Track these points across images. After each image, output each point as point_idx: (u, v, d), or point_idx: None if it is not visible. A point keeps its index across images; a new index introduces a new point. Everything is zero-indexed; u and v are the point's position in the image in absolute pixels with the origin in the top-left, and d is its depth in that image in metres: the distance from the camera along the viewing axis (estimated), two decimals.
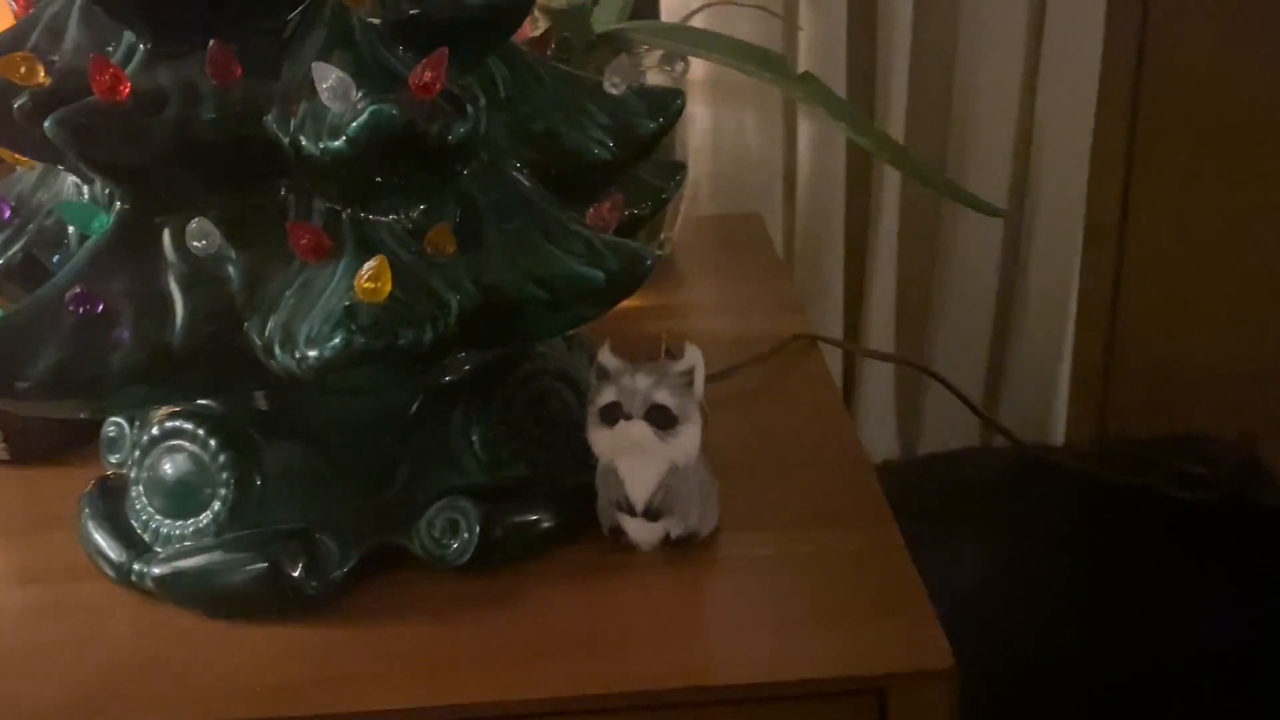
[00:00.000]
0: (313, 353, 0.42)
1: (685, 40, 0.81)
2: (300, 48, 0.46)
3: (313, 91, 0.44)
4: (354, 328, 0.42)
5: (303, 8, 0.46)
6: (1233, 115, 1.10)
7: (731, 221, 1.04)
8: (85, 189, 0.50)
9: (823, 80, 0.74)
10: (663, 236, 0.90)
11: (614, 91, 0.54)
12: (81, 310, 0.44)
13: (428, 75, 0.44)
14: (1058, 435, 1.26)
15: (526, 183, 0.51)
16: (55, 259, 0.50)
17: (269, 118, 0.45)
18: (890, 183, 1.07)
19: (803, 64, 1.00)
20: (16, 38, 0.49)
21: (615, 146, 0.53)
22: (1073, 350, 1.20)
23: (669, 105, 0.55)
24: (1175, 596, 1.00)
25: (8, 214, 0.52)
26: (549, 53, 0.57)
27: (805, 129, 1.05)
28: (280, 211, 0.47)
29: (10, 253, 0.51)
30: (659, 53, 0.84)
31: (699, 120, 1.05)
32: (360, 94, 0.43)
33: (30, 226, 0.51)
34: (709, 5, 0.94)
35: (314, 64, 0.43)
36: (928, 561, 0.59)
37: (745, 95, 1.04)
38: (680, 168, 0.63)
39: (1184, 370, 1.24)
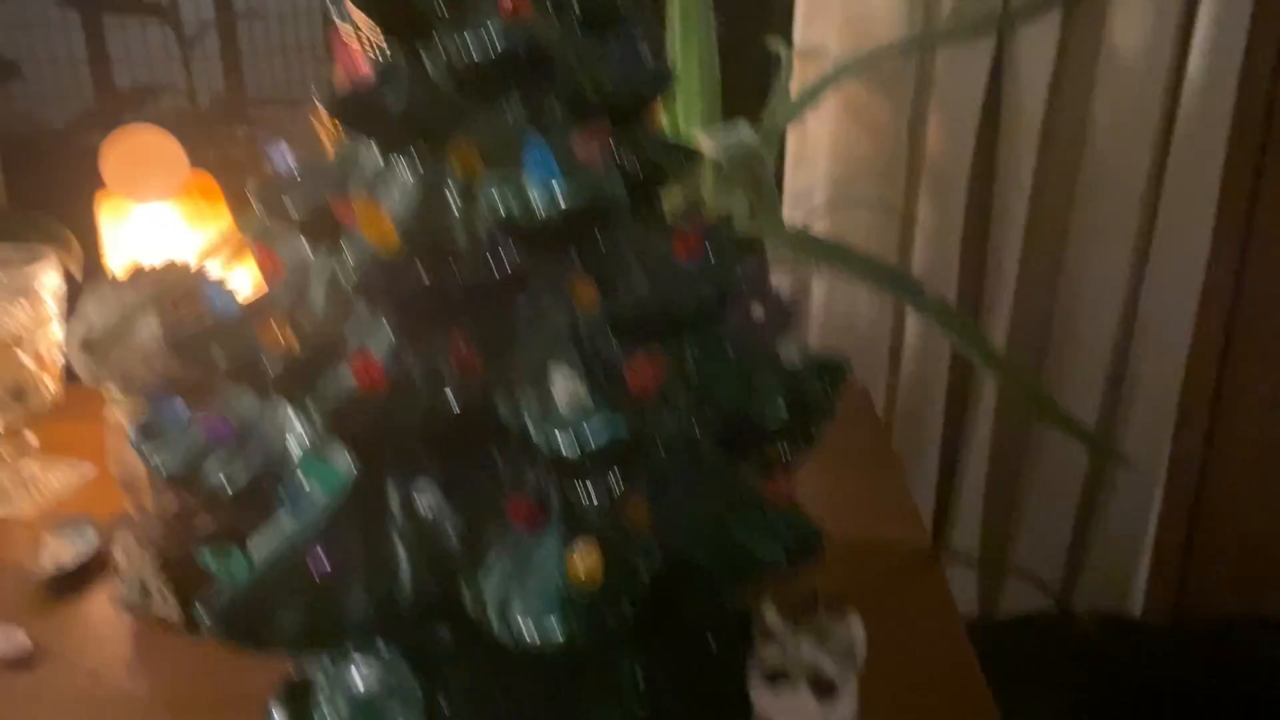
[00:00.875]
0: (531, 632, 0.47)
1: (816, 251, 0.86)
2: (529, 334, 0.51)
3: (541, 382, 0.49)
4: (570, 613, 0.46)
5: (530, 293, 0.51)
6: None
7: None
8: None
9: (945, 296, 0.79)
10: None
11: (789, 361, 0.59)
12: (320, 569, 0.49)
13: (649, 379, 0.48)
14: (1136, 606, 1.28)
15: (710, 454, 0.55)
16: (280, 488, 0.55)
17: (499, 400, 0.50)
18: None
19: (918, 256, 1.05)
20: (267, 298, 0.55)
21: (790, 414, 0.57)
22: (1157, 526, 1.23)
23: (839, 374, 0.60)
24: None
25: (228, 433, 0.58)
26: None
27: None
28: (494, 477, 0.51)
29: (236, 476, 0.56)
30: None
31: (814, 291, 1.10)
32: (588, 396, 0.47)
33: (255, 452, 0.56)
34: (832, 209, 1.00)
35: (551, 365, 0.48)
36: None
37: None
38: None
39: (1267, 554, 1.26)
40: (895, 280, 0.82)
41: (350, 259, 0.49)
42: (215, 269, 0.84)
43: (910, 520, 0.84)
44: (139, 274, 0.78)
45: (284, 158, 0.55)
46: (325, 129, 0.59)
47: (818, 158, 1.05)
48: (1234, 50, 0.99)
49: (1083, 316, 1.09)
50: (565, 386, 0.48)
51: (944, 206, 1.04)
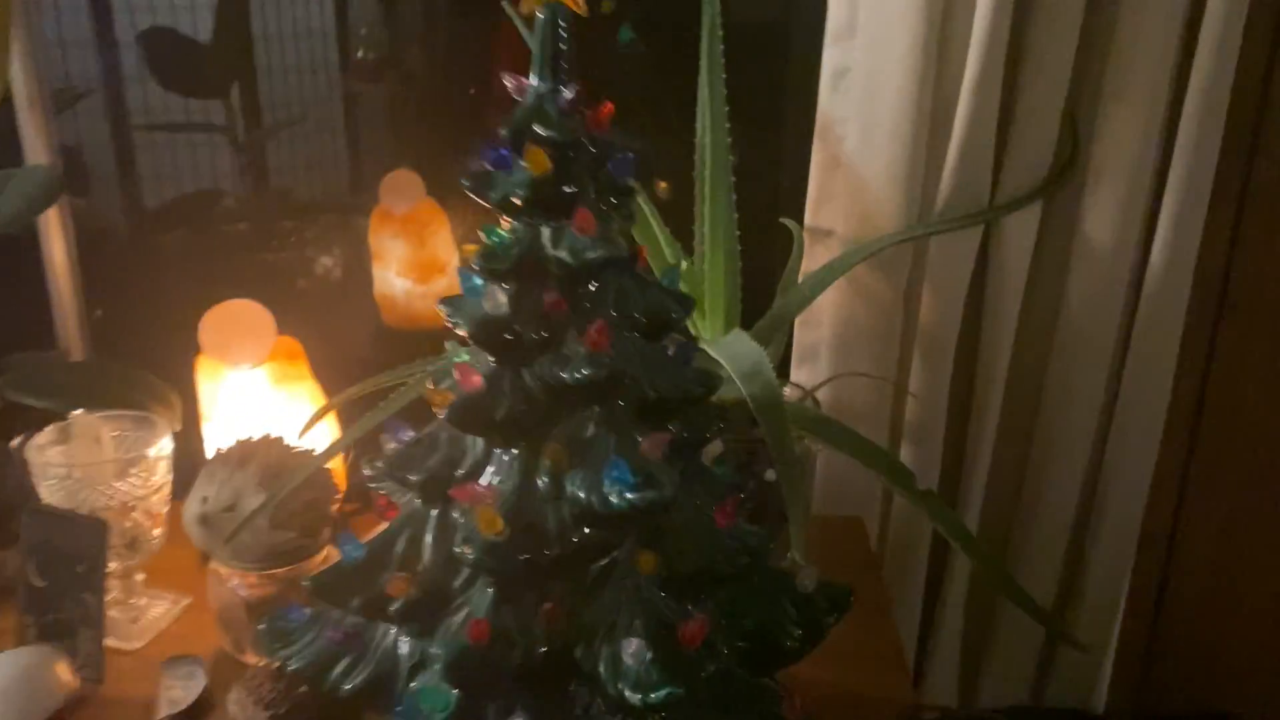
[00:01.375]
0: None
1: (820, 430, 0.99)
2: (600, 595, 0.64)
3: (613, 638, 0.62)
4: None
5: (603, 562, 0.65)
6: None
7: (835, 526, 1.21)
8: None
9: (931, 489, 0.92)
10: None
11: (804, 587, 0.72)
12: None
13: (697, 635, 0.62)
14: (1100, 703, 1.42)
15: (739, 678, 0.69)
16: (392, 692, 0.69)
17: (578, 650, 0.63)
18: (975, 496, 1.25)
19: (909, 415, 1.19)
20: (386, 542, 0.69)
21: (803, 638, 0.71)
22: (1119, 635, 1.36)
23: (845, 602, 0.73)
24: None
25: (348, 641, 0.71)
26: None
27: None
28: (572, 707, 0.65)
29: (355, 679, 0.70)
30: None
31: None
32: (652, 658, 0.61)
33: (371, 659, 0.70)
34: (835, 378, 1.14)
35: (620, 626, 0.62)
36: None
37: (855, 412, 1.22)
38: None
39: (1221, 659, 1.40)
40: (890, 466, 0.95)
41: (462, 539, 0.63)
42: (303, 442, 0.97)
43: (895, 669, 0.97)
44: (245, 451, 0.92)
45: (403, 434, 0.69)
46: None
47: (822, 322, 1.18)
48: (1192, 240, 1.12)
49: (1054, 463, 1.23)
50: (633, 650, 0.61)
51: (933, 371, 1.17)
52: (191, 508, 0.90)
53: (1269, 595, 1.35)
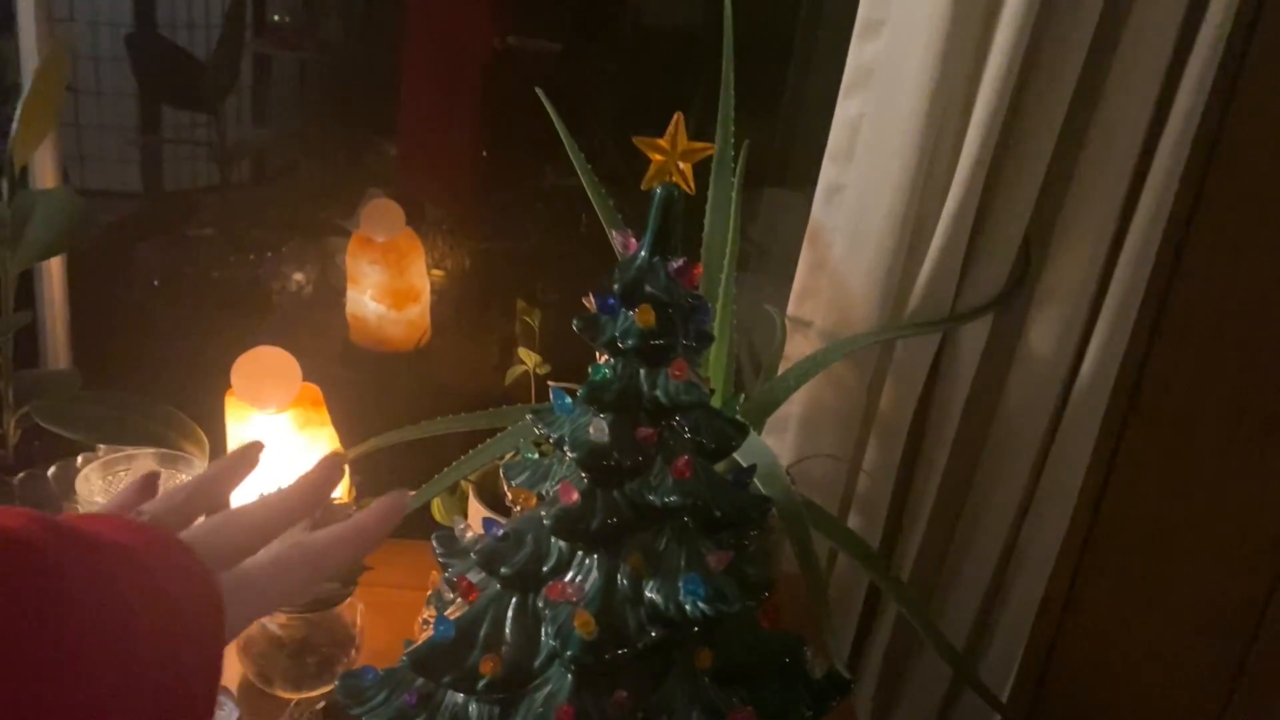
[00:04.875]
0: None
1: (817, 525, 1.12)
2: (663, 685, 0.76)
3: None
4: None
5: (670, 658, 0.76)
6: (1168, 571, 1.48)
7: (788, 581, 1.35)
8: None
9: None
10: None
11: (815, 674, 0.85)
12: None
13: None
14: None
15: None
16: None
17: None
18: (909, 559, 1.40)
19: (860, 488, 1.34)
20: (472, 622, 0.78)
21: (813, 718, 0.84)
22: (1010, 687, 1.54)
23: (845, 686, 0.86)
24: None
25: (414, 700, 0.80)
26: None
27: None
28: None
29: None
30: None
31: None
32: None
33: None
34: (806, 459, 1.27)
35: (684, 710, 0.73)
36: None
37: (813, 481, 1.36)
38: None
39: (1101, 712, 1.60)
40: (869, 557, 1.09)
41: (555, 632, 0.73)
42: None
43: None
44: None
45: (496, 529, 0.78)
46: None
47: (794, 400, 1.31)
48: (1116, 357, 1.29)
49: (978, 536, 1.39)
50: None
51: (885, 452, 1.32)
52: None
53: (1144, 660, 1.55)
